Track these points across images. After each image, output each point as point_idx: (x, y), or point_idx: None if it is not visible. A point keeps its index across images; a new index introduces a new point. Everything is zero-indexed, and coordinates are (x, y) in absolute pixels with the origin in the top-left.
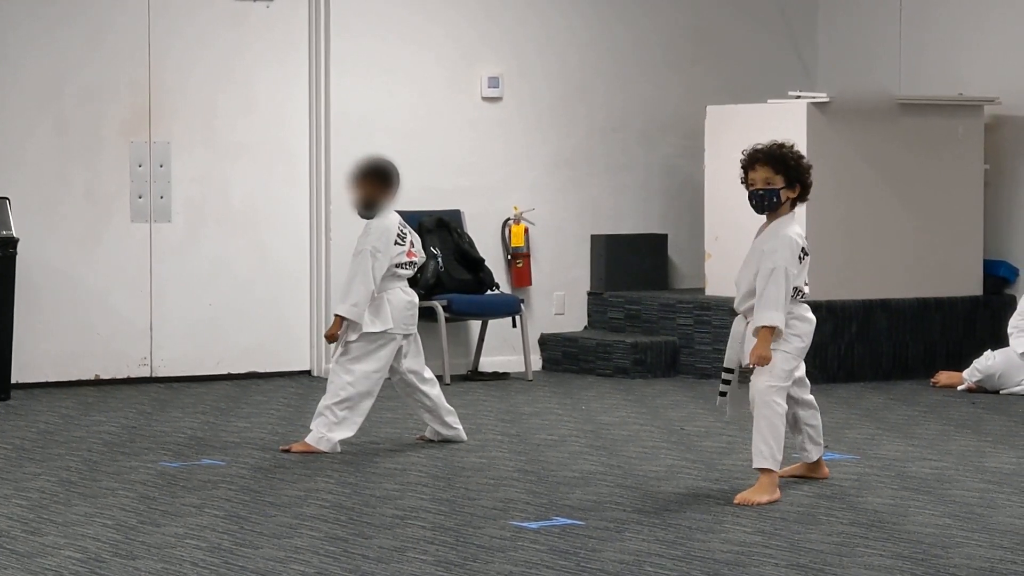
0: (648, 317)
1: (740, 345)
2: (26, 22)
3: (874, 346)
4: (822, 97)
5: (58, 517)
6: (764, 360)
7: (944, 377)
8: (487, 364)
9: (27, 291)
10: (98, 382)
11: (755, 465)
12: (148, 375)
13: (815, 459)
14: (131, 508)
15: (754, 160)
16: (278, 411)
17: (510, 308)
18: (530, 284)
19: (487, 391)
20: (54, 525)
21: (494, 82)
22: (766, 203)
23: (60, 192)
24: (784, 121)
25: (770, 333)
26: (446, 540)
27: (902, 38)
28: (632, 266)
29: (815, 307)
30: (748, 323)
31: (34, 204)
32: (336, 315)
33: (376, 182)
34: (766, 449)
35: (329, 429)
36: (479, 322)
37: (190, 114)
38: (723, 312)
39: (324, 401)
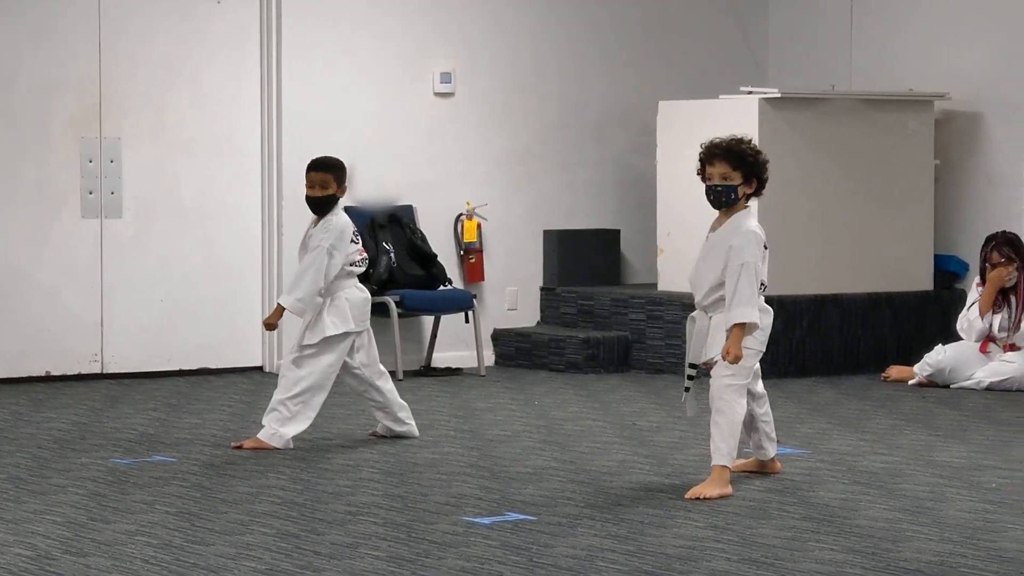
0: (601, 312)
1: (704, 340)
2: None
3: (825, 341)
4: (773, 93)
5: (7, 514)
6: (738, 358)
7: (895, 371)
8: (440, 360)
9: None
10: (48, 379)
11: (714, 463)
12: (99, 372)
13: (771, 456)
14: (81, 505)
15: (712, 155)
16: (229, 407)
17: (463, 304)
18: (483, 280)
19: (440, 387)
20: (3, 523)
21: (446, 78)
22: (723, 199)
23: (10, 188)
24: (736, 117)
25: (743, 330)
26: (398, 536)
27: (853, 34)
28: (585, 262)
29: (767, 302)
30: (711, 318)
31: None
32: (279, 304)
33: (333, 179)
34: (724, 447)
35: (282, 424)
36: (432, 318)
37: (140, 110)
38: (675, 308)
39: (277, 396)
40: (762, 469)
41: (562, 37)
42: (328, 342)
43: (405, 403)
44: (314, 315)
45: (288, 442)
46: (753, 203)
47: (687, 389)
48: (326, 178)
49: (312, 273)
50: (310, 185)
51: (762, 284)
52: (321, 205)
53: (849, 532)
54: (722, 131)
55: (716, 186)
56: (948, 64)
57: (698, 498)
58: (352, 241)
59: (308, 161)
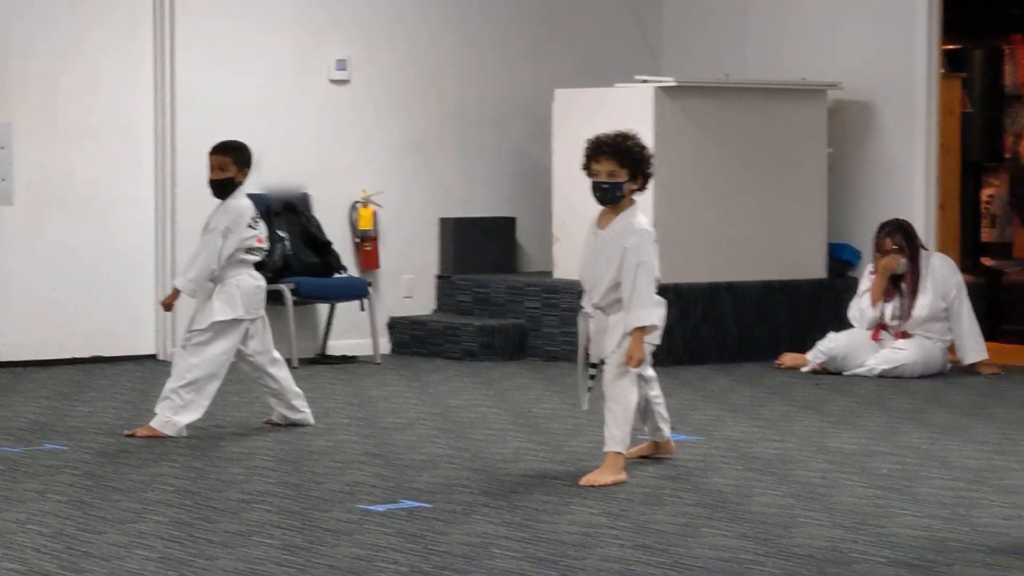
0: (496, 300)
1: (602, 338)
2: None
3: (720, 329)
4: (668, 81)
5: None
6: (641, 362)
7: (788, 359)
8: (335, 348)
9: None
10: None
11: (608, 449)
12: None
13: (667, 436)
14: None
15: (598, 152)
16: (123, 395)
17: (358, 291)
18: (378, 267)
19: (335, 375)
20: None
21: (342, 65)
22: (609, 196)
23: None
24: (631, 105)
25: (643, 333)
26: (292, 524)
27: (747, 23)
28: (481, 250)
29: (662, 290)
30: (610, 317)
31: None
32: (174, 286)
33: (234, 162)
34: (619, 434)
35: (175, 412)
36: (327, 305)
37: (32, 96)
38: (570, 296)
39: (170, 384)
40: (657, 451)
41: (460, 25)
42: (219, 329)
43: (300, 391)
44: (204, 300)
45: (182, 430)
46: (647, 193)
47: (590, 389)
48: (224, 161)
49: (205, 255)
50: (210, 168)
51: (657, 280)
52: (220, 188)
53: (742, 518)
54: (618, 119)
55: (602, 183)
56: (840, 53)
57: (592, 485)
58: (250, 226)
59: (203, 148)
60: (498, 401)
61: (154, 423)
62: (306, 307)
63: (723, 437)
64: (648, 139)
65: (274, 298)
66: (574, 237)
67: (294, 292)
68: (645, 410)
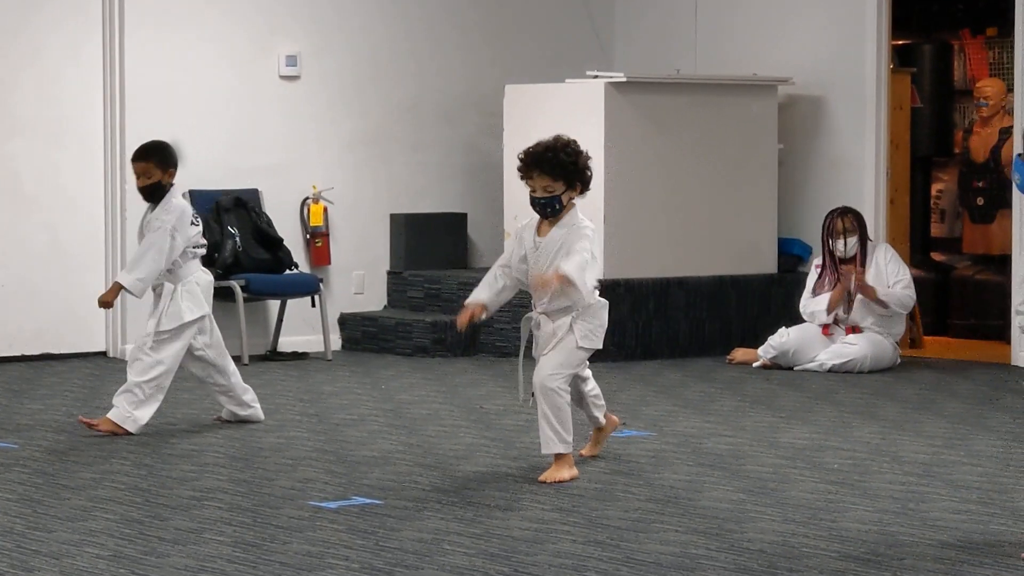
0: (448, 296)
1: (548, 341)
2: None
3: (671, 324)
4: (619, 77)
5: None
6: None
7: (740, 354)
8: (286, 344)
9: None
10: None
11: (546, 451)
12: None
13: (603, 422)
14: None
15: (530, 168)
16: (72, 393)
17: (309, 287)
18: (329, 263)
19: (286, 371)
20: None
21: (291, 60)
22: (548, 210)
23: None
24: (582, 101)
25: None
26: (244, 521)
27: (697, 18)
28: (432, 245)
29: (613, 285)
30: (555, 323)
31: None
32: (116, 283)
33: (157, 165)
34: (555, 436)
35: (136, 407)
36: (278, 302)
37: None
38: (522, 292)
39: (133, 378)
40: (602, 435)
41: (411, 19)
42: (183, 327)
43: (249, 387)
44: (163, 301)
45: (141, 427)
46: (597, 189)
47: (532, 395)
48: (146, 167)
49: (153, 253)
50: (136, 175)
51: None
52: (150, 194)
53: (694, 513)
54: (569, 115)
55: (540, 198)
56: (791, 49)
57: (552, 481)
58: (192, 223)
59: None
60: (450, 397)
61: (113, 416)
62: (257, 303)
63: (675, 432)
64: (599, 135)
65: (224, 295)
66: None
67: (244, 289)
68: (580, 402)
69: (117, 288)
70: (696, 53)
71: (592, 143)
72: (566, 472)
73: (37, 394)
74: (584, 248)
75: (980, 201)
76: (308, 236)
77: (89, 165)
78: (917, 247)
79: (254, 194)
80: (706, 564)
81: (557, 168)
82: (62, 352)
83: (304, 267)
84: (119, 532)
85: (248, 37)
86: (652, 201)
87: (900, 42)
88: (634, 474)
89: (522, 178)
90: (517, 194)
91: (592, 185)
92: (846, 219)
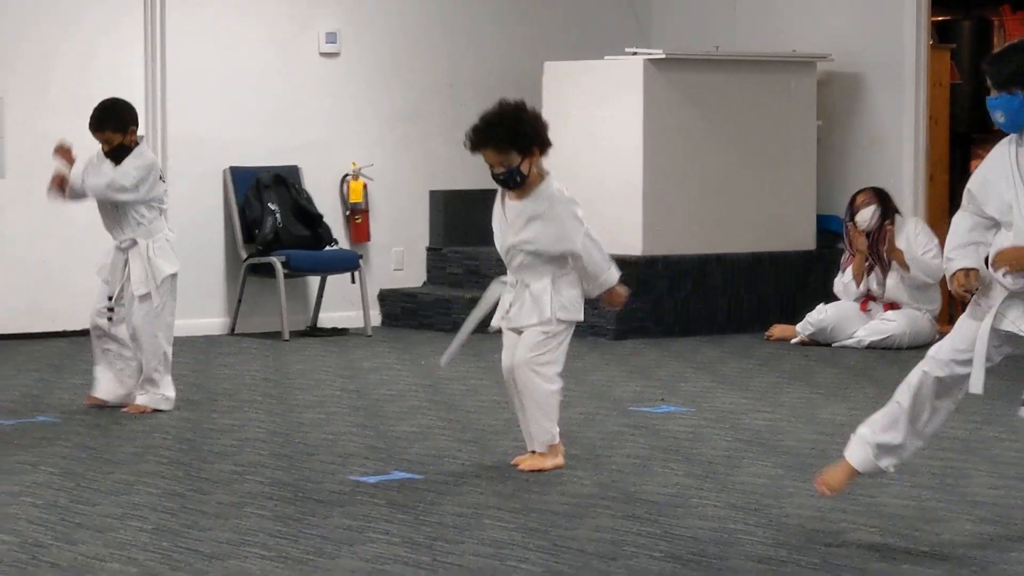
0: (486, 272)
1: (521, 308)
2: None
3: (709, 300)
4: (658, 54)
5: None
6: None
7: (778, 330)
8: (326, 320)
9: None
10: None
11: (539, 450)
12: None
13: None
14: None
15: (479, 148)
16: None
17: (349, 264)
18: (369, 240)
19: (326, 347)
20: None
21: (331, 38)
22: (511, 184)
23: None
24: (620, 78)
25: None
26: (284, 495)
27: None
28: (470, 221)
29: (651, 261)
30: (529, 287)
31: None
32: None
33: (115, 130)
34: (543, 432)
35: (166, 388)
36: (318, 278)
37: (24, 69)
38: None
39: (149, 363)
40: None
41: None
42: (168, 288)
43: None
44: (143, 260)
45: (173, 401)
46: (637, 163)
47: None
48: (106, 136)
49: (114, 188)
50: (100, 144)
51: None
52: (117, 156)
53: (732, 489)
54: (607, 92)
55: (500, 174)
56: (830, 25)
57: (534, 470)
58: (161, 180)
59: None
60: (488, 373)
61: (145, 401)
62: (297, 280)
63: (713, 408)
64: (637, 112)
65: (265, 271)
66: None
67: (285, 265)
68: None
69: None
70: (735, 30)
71: (631, 120)
72: (550, 461)
73: (78, 369)
74: (578, 228)
75: None
76: (348, 213)
77: None
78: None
79: (294, 171)
80: (744, 539)
81: (504, 140)
82: None
83: (344, 243)
84: (161, 506)
85: (288, 14)
86: (690, 178)
87: (939, 18)
88: (672, 450)
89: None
90: (555, 170)
91: (630, 162)
92: (863, 193)
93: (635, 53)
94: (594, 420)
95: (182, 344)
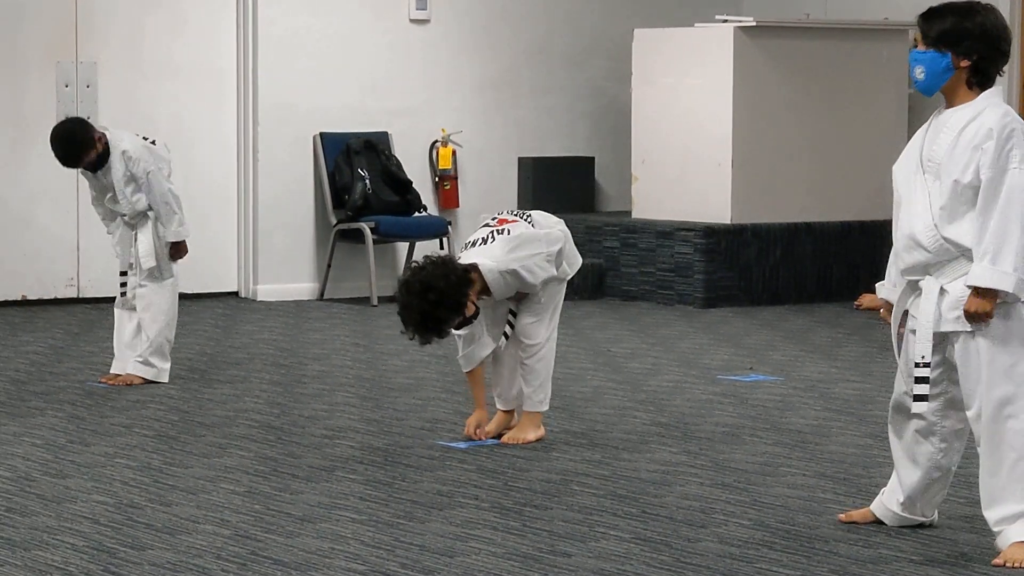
0: (575, 240)
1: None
2: None
3: (798, 269)
4: (749, 21)
5: None
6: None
7: (867, 299)
8: None
9: None
10: (24, 303)
11: (534, 410)
12: (75, 296)
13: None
14: (60, 428)
15: (426, 335)
16: (206, 331)
17: (437, 230)
18: (458, 206)
19: None
20: None
21: (421, 4)
22: (474, 318)
23: None
24: (711, 45)
25: None
26: (375, 460)
27: None
28: (559, 189)
29: (740, 229)
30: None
31: None
32: (174, 243)
33: (84, 152)
34: (541, 395)
35: (165, 361)
36: (406, 244)
37: (117, 35)
38: (649, 235)
39: (161, 335)
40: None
41: None
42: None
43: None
44: (150, 237)
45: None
46: (719, 130)
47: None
48: (87, 162)
49: (167, 197)
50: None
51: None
52: (100, 164)
53: (820, 458)
54: (698, 59)
55: (468, 319)
56: None
57: (516, 443)
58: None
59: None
60: (577, 340)
61: (143, 373)
62: (386, 245)
63: (802, 377)
64: (727, 79)
65: (354, 237)
66: (653, 176)
67: (374, 231)
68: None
69: (183, 244)
70: None
71: (720, 88)
72: (532, 433)
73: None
74: (543, 281)
75: None
76: (437, 179)
77: (222, 106)
78: None
79: (384, 137)
80: (834, 508)
81: (440, 322)
82: (196, 291)
83: (432, 210)
84: (253, 469)
85: None
86: (780, 146)
87: None
88: (761, 418)
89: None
90: (644, 138)
91: (719, 130)
92: None
93: (725, 20)
94: (682, 388)
95: (273, 309)
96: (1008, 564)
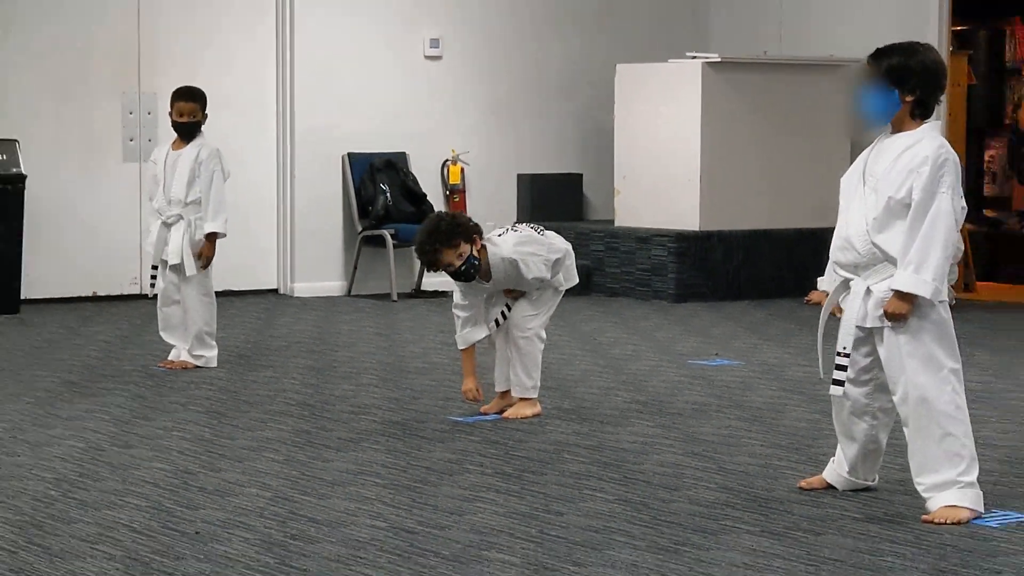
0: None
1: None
2: None
3: (757, 269)
4: (714, 57)
5: (63, 412)
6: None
7: (816, 296)
8: (428, 284)
9: (34, 220)
10: (95, 298)
11: (525, 396)
12: (138, 292)
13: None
14: (125, 405)
15: (434, 259)
16: (249, 323)
17: None
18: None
19: (428, 307)
20: (59, 419)
21: (435, 43)
22: (473, 271)
23: (62, 136)
24: (682, 79)
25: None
26: (394, 432)
27: (782, 5)
28: (552, 201)
29: (708, 236)
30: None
31: (41, 146)
32: (211, 234)
33: (199, 108)
34: (530, 382)
35: (210, 350)
36: None
37: (174, 69)
38: (629, 240)
39: (199, 328)
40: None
41: (535, 6)
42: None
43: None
44: (179, 238)
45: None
46: (687, 151)
47: (499, 322)
48: (194, 108)
49: (222, 196)
50: (178, 113)
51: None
52: (188, 132)
53: (776, 430)
54: (671, 91)
55: (460, 269)
56: (863, 32)
57: (516, 417)
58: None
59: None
60: (568, 331)
61: (193, 361)
62: (404, 250)
63: (760, 362)
64: (696, 109)
65: (377, 242)
66: (632, 190)
67: (394, 237)
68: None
69: (214, 238)
70: (781, 36)
71: (690, 115)
72: (530, 409)
73: (220, 323)
74: (535, 278)
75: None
76: (447, 192)
77: (263, 132)
78: (971, 205)
79: (402, 156)
80: (788, 473)
81: (449, 237)
82: (240, 289)
83: None
84: (291, 440)
85: (399, 23)
86: (741, 165)
87: (958, 27)
88: (725, 397)
89: (432, 269)
90: (625, 158)
91: (690, 151)
92: None
93: (695, 57)
94: (658, 371)
95: (307, 304)
96: (936, 521)
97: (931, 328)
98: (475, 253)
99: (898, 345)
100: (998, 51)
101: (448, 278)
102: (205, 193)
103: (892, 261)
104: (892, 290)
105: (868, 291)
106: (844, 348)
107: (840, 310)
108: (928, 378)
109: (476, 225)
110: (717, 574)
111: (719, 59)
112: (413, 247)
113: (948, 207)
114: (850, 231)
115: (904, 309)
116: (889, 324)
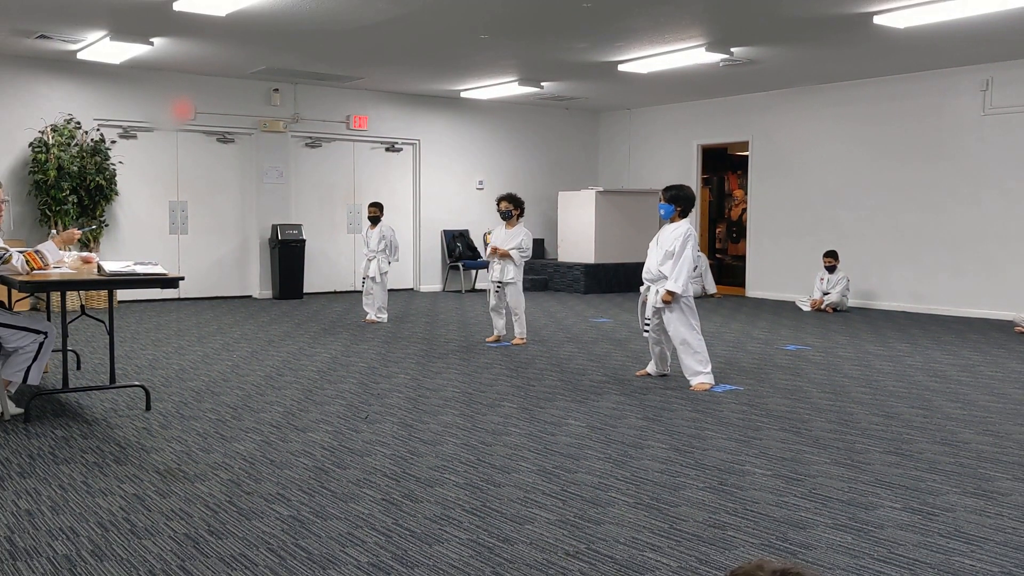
0: (544, 260)
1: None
2: (305, 156)
3: (617, 280)
4: (600, 188)
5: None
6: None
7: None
8: (478, 285)
9: (310, 257)
10: (335, 293)
11: (520, 337)
12: (351, 289)
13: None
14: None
15: (502, 199)
16: (399, 304)
17: (483, 265)
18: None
19: (477, 296)
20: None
21: (481, 184)
22: (508, 216)
23: (320, 223)
24: (586, 200)
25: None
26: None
27: (630, 153)
28: (534, 250)
29: (599, 265)
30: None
31: (310, 225)
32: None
33: (378, 209)
34: (520, 330)
35: (385, 314)
36: (473, 270)
37: (371, 196)
38: (565, 267)
39: (383, 301)
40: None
41: (531, 164)
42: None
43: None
44: (376, 265)
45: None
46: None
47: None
48: (375, 211)
49: (395, 248)
50: (371, 212)
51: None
52: (376, 220)
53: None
54: (581, 208)
55: (502, 212)
56: (662, 176)
57: (515, 344)
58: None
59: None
60: (537, 307)
61: (381, 318)
62: (466, 272)
63: (620, 321)
64: (591, 218)
65: (455, 268)
66: (565, 246)
67: (463, 266)
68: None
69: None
70: (628, 176)
71: (590, 214)
72: (519, 342)
73: (390, 304)
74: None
75: (734, 232)
76: (485, 245)
77: (407, 219)
78: (710, 253)
79: (466, 232)
80: (629, 368)
81: (513, 199)
82: (400, 288)
83: (483, 257)
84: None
85: (464, 173)
86: (613, 238)
87: (705, 176)
88: (603, 334)
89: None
90: (562, 234)
91: (589, 233)
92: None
93: (591, 188)
94: (577, 323)
95: (425, 295)
96: (693, 390)
97: (683, 308)
98: (514, 212)
99: (670, 317)
100: (722, 186)
101: (487, 280)
102: (387, 248)
103: (665, 278)
104: (665, 290)
105: (656, 292)
106: (647, 320)
107: (646, 299)
108: (684, 329)
109: (522, 203)
110: None
111: (602, 189)
112: (496, 199)
113: (689, 255)
114: (650, 265)
115: (668, 299)
116: (663, 306)
